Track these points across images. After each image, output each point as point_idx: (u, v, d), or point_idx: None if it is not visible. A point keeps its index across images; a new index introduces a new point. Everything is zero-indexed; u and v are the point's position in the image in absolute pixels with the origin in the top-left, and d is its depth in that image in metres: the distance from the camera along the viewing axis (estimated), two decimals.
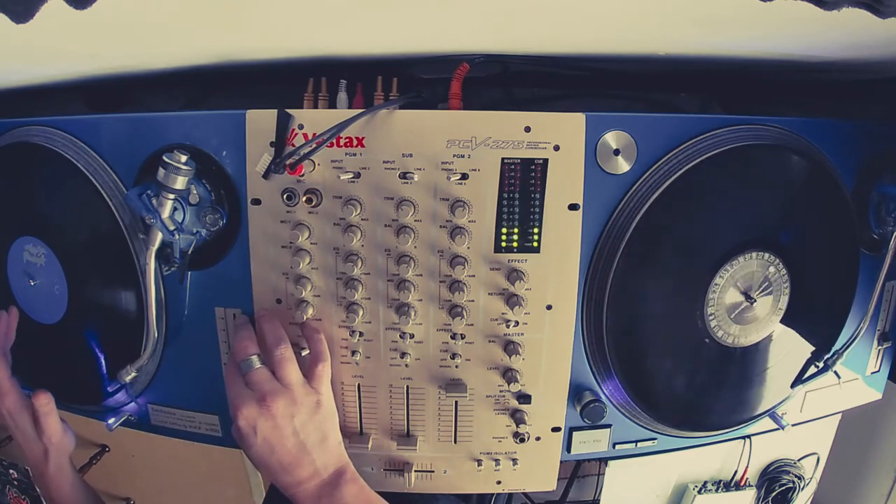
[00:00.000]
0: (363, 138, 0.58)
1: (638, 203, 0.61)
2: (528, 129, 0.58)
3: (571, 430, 0.69)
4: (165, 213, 0.57)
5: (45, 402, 0.67)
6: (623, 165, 0.61)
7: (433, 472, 0.70)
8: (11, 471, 1.12)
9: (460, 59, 0.61)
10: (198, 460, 1.34)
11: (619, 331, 0.64)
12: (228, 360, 0.62)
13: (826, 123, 0.66)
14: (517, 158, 0.59)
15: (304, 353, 0.63)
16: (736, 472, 0.92)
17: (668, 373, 0.68)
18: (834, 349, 0.68)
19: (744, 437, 0.80)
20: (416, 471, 0.69)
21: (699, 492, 0.92)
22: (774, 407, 0.74)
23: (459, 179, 0.59)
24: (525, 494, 1.34)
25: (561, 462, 0.70)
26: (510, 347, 0.64)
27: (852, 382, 0.79)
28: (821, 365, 0.69)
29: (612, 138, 0.60)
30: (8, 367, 0.68)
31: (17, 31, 0.33)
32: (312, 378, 0.60)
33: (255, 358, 0.59)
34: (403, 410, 0.68)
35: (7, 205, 0.71)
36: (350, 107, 0.65)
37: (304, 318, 0.63)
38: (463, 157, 0.59)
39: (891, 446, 0.98)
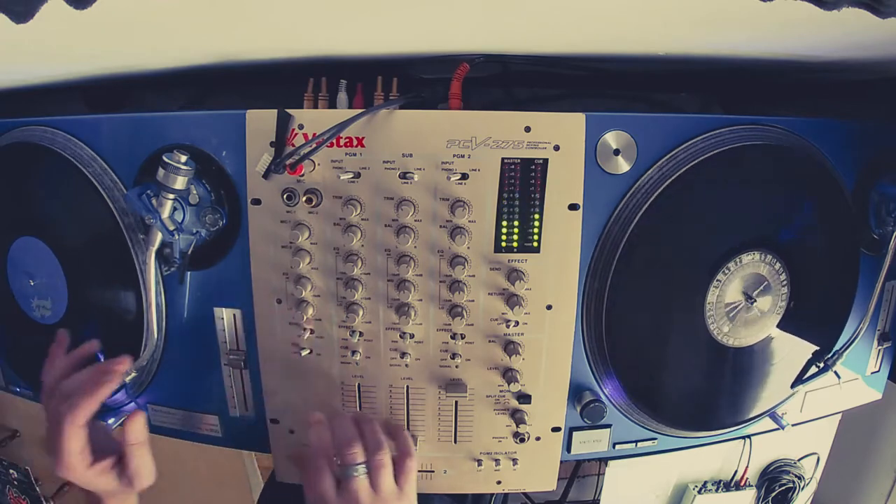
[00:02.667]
0: (363, 138, 0.58)
1: (638, 203, 0.61)
2: (528, 129, 0.58)
3: (571, 430, 0.69)
4: (165, 213, 0.57)
5: (138, 431, 0.58)
6: (623, 165, 0.61)
7: (433, 472, 0.70)
8: (11, 471, 1.13)
9: (460, 59, 0.61)
10: (198, 460, 1.34)
11: (619, 331, 0.64)
12: (318, 454, 0.57)
13: (826, 123, 0.66)
14: (517, 158, 0.59)
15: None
16: (736, 472, 0.92)
17: (668, 373, 0.68)
18: (834, 349, 0.68)
19: (744, 437, 0.80)
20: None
21: (699, 492, 0.92)
22: (774, 407, 0.74)
23: (459, 179, 0.59)
24: (525, 494, 1.34)
25: (561, 462, 0.70)
26: (510, 347, 0.64)
27: (852, 382, 0.79)
28: (821, 365, 0.69)
29: (612, 138, 0.60)
30: (82, 441, 0.54)
31: (17, 31, 0.33)
32: (402, 477, 0.57)
33: (362, 467, 0.55)
34: (403, 410, 0.67)
35: (7, 205, 0.71)
36: (350, 107, 0.65)
37: (303, 336, 0.62)
38: (463, 157, 0.59)
39: (891, 446, 0.98)
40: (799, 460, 0.96)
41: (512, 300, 0.62)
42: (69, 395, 0.55)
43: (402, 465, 0.57)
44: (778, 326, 0.68)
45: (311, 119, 0.58)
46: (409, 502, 0.57)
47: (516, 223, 0.60)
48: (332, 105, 0.65)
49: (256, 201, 0.61)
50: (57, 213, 0.68)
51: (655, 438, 0.72)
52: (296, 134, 0.59)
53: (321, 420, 0.59)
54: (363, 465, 0.55)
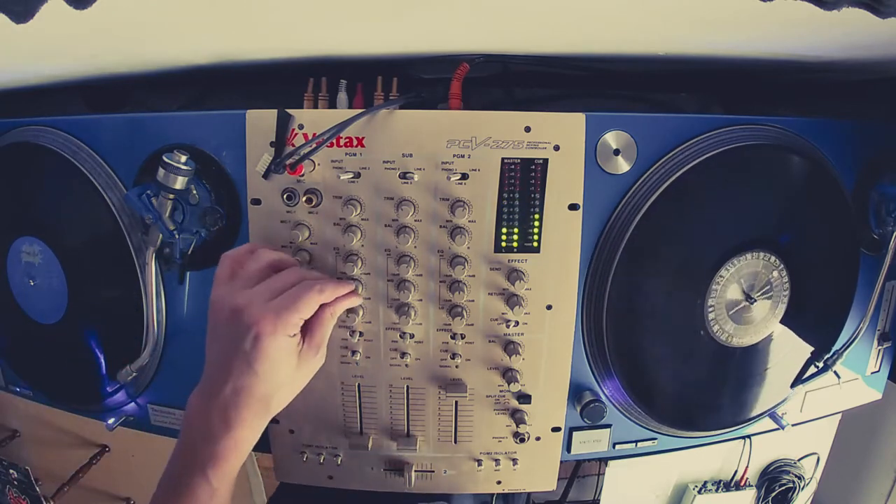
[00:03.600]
0: (363, 138, 0.58)
1: (638, 203, 0.61)
2: (528, 129, 0.58)
3: (571, 430, 0.69)
4: (165, 213, 0.57)
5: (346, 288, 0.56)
6: (623, 165, 0.61)
7: (433, 472, 0.70)
8: (11, 471, 1.12)
9: (460, 59, 0.61)
10: None
11: (619, 330, 0.64)
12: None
13: (826, 123, 0.66)
14: (517, 158, 0.59)
15: None
16: (736, 472, 0.92)
17: (668, 373, 0.68)
18: (834, 349, 0.68)
19: (744, 437, 0.80)
20: (416, 471, 0.69)
21: (699, 492, 0.92)
22: (774, 407, 0.74)
23: (459, 179, 0.59)
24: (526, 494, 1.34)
25: (561, 462, 0.70)
26: (510, 347, 0.64)
27: (852, 382, 0.79)
28: (821, 365, 0.69)
29: (612, 138, 0.60)
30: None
31: (17, 31, 0.33)
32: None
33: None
34: (403, 410, 0.67)
35: (7, 205, 0.71)
36: (350, 107, 0.65)
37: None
38: (463, 157, 0.59)
39: (891, 446, 0.98)
40: (799, 460, 0.96)
41: (512, 300, 0.62)
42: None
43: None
44: (778, 326, 0.68)
45: (311, 119, 0.58)
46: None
47: (516, 223, 0.60)
48: (332, 105, 0.65)
49: (256, 201, 0.61)
50: (57, 214, 0.68)
51: (655, 438, 0.72)
52: (296, 134, 0.59)
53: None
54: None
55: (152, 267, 0.59)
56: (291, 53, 0.61)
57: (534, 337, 0.64)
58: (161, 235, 0.58)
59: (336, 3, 0.44)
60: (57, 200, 0.68)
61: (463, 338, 0.64)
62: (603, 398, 0.68)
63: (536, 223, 0.60)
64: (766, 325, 0.68)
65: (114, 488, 1.35)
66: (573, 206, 0.60)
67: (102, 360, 0.70)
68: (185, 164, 0.56)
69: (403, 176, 0.59)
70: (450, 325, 0.64)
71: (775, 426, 0.75)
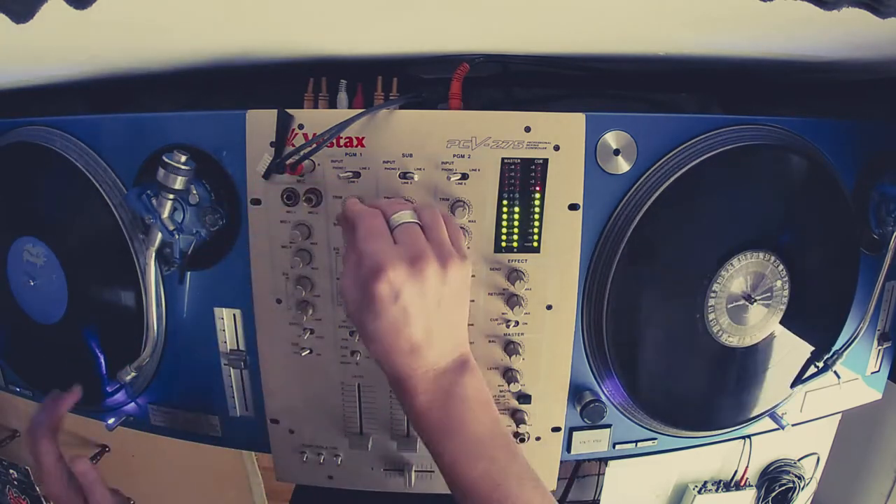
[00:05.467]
0: (363, 138, 0.58)
1: (638, 203, 0.61)
2: (528, 129, 0.58)
3: (571, 430, 0.69)
4: (165, 214, 0.57)
5: (88, 471, 0.60)
6: (623, 165, 0.61)
7: (433, 472, 0.70)
8: (11, 471, 1.12)
9: (460, 59, 0.61)
10: (198, 460, 1.34)
11: (619, 331, 0.64)
12: (358, 211, 0.48)
13: (826, 123, 0.66)
14: (517, 158, 0.59)
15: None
16: (736, 472, 0.92)
17: (668, 373, 0.68)
18: (834, 349, 0.68)
19: (744, 437, 0.80)
20: (416, 471, 0.69)
21: (699, 492, 0.92)
22: (774, 407, 0.74)
23: (459, 179, 0.59)
24: None
25: (561, 462, 0.70)
26: (510, 347, 0.64)
27: (852, 382, 0.79)
28: (821, 365, 0.69)
29: (612, 138, 0.60)
30: (55, 451, 0.61)
31: (17, 31, 0.33)
32: (455, 237, 0.49)
33: (410, 212, 0.48)
34: (403, 410, 0.67)
35: (7, 205, 0.71)
36: (350, 107, 0.65)
37: (303, 336, 0.62)
38: (463, 157, 0.59)
39: (891, 446, 0.98)
40: (799, 460, 0.95)
41: (512, 300, 0.62)
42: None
43: (451, 227, 0.49)
44: (778, 326, 0.68)
45: (311, 119, 0.58)
46: (468, 269, 0.48)
47: (516, 223, 0.60)
48: (332, 105, 0.65)
49: (256, 201, 0.61)
50: (57, 214, 0.68)
51: (655, 438, 0.72)
52: (296, 134, 0.59)
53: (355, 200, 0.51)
54: (411, 212, 0.48)
55: (152, 267, 0.59)
56: (291, 53, 0.61)
57: (534, 337, 0.64)
58: (161, 235, 0.58)
59: (336, 3, 0.44)
60: (57, 200, 0.68)
61: None
62: (603, 398, 0.68)
63: (536, 223, 0.60)
64: (765, 325, 0.68)
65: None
66: (573, 206, 0.60)
67: (102, 360, 0.70)
68: (185, 164, 0.56)
69: (403, 176, 0.59)
70: None
71: (775, 426, 0.75)
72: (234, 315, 0.65)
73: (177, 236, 0.59)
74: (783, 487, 0.94)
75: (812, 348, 0.70)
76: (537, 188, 0.59)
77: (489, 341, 0.64)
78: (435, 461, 0.48)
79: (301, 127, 0.58)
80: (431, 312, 0.46)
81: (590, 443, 0.70)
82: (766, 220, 0.65)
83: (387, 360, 0.47)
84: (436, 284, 0.45)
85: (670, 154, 0.61)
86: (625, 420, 0.70)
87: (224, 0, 0.42)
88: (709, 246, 0.64)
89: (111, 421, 0.72)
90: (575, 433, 0.70)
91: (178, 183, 0.56)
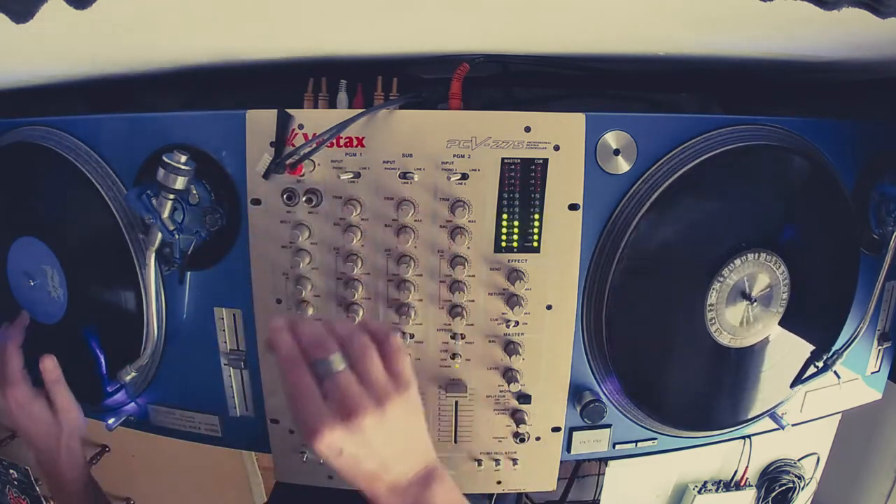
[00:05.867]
0: (363, 138, 0.58)
1: (638, 203, 0.61)
2: (528, 129, 0.58)
3: (571, 430, 0.69)
4: (165, 214, 0.57)
5: (52, 368, 0.66)
6: (623, 165, 0.61)
7: None
8: (11, 471, 1.12)
9: (460, 59, 0.61)
10: (198, 460, 1.34)
11: (619, 331, 0.64)
12: (290, 356, 0.47)
13: (826, 123, 0.66)
14: (517, 158, 0.59)
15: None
16: (736, 472, 0.92)
17: (668, 373, 0.68)
18: (834, 349, 0.68)
19: (744, 437, 0.80)
20: None
21: (699, 492, 0.92)
22: (774, 407, 0.74)
23: (459, 179, 0.59)
24: (525, 494, 1.34)
25: (561, 462, 0.70)
26: (510, 347, 0.64)
27: (852, 382, 0.79)
28: (821, 365, 0.69)
29: (612, 138, 0.60)
30: (21, 360, 0.68)
31: (17, 31, 0.33)
32: (390, 361, 0.47)
33: (338, 357, 0.46)
34: None
35: (7, 205, 0.71)
36: (350, 107, 0.65)
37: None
38: (463, 157, 0.59)
39: (891, 446, 0.98)
40: (799, 460, 0.95)
41: (512, 300, 0.62)
42: None
43: (386, 349, 0.48)
44: (778, 326, 0.68)
45: (311, 119, 0.58)
46: (408, 393, 0.48)
47: (516, 223, 0.60)
48: (332, 105, 0.65)
49: (256, 201, 0.61)
50: (57, 214, 0.68)
51: (655, 438, 0.72)
52: (296, 134, 0.59)
53: (281, 326, 0.48)
54: (339, 356, 0.46)
55: (152, 267, 0.59)
56: (291, 53, 0.61)
57: (534, 337, 0.64)
58: (161, 235, 0.58)
59: (336, 3, 0.44)
60: (57, 200, 0.68)
61: (463, 338, 0.64)
62: (603, 398, 0.68)
63: (536, 223, 0.60)
64: (766, 326, 0.68)
65: (114, 488, 1.35)
66: (573, 206, 0.60)
67: (102, 360, 0.70)
68: (185, 164, 0.56)
69: (403, 176, 0.59)
70: (450, 325, 0.63)
71: (775, 426, 0.75)
72: (234, 315, 0.65)
73: (177, 236, 0.59)
74: (783, 487, 0.94)
75: (812, 348, 0.70)
76: (537, 188, 0.59)
77: (489, 341, 0.64)
78: None
79: (301, 127, 0.58)
80: (380, 449, 0.46)
81: (590, 443, 0.70)
82: (766, 220, 0.65)
83: (353, 483, 0.48)
84: (376, 428, 0.45)
85: (670, 154, 0.61)
86: (625, 420, 0.70)
87: (224, 0, 0.42)
88: (709, 246, 0.64)
89: (111, 421, 0.72)
90: (575, 433, 0.70)
91: (179, 183, 0.56)
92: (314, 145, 0.57)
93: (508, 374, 0.65)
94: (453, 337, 0.64)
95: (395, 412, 0.47)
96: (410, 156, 0.59)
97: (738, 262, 0.64)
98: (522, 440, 0.68)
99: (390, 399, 0.46)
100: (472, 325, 0.64)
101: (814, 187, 0.66)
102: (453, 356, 0.64)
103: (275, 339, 0.48)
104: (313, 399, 0.45)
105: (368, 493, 0.48)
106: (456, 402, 0.67)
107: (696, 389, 0.70)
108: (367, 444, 0.46)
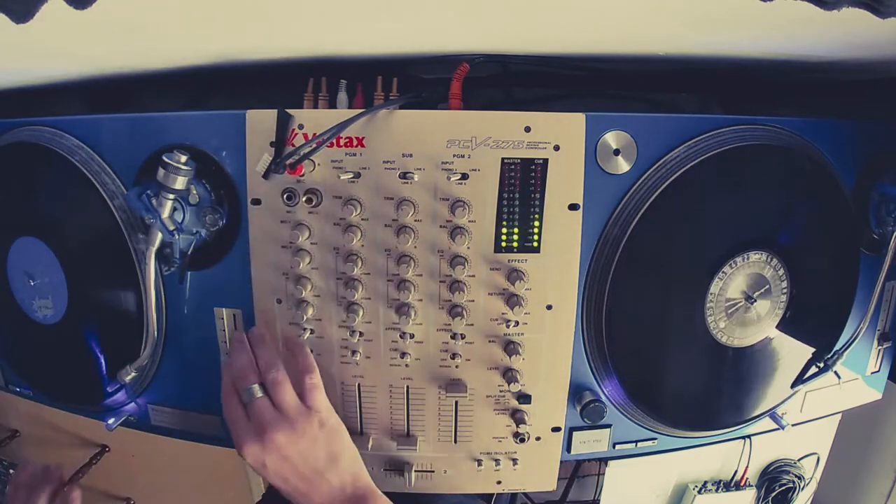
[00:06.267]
0: (363, 138, 0.58)
1: (638, 203, 0.61)
2: (528, 129, 0.58)
3: (571, 430, 0.69)
4: (165, 214, 0.57)
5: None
6: (623, 165, 0.61)
7: (433, 472, 0.70)
8: (11, 471, 1.12)
9: (460, 59, 0.61)
10: (198, 460, 1.34)
11: (619, 331, 0.64)
12: (226, 385, 0.59)
13: (826, 123, 0.66)
14: (517, 158, 0.59)
15: None
16: (736, 472, 0.92)
17: (668, 373, 0.68)
18: (834, 349, 0.68)
19: (744, 437, 0.80)
20: (416, 471, 0.69)
21: (699, 492, 0.92)
22: (774, 407, 0.74)
23: (459, 179, 0.59)
24: (525, 494, 1.34)
25: (561, 462, 0.70)
26: (510, 347, 0.64)
27: (852, 382, 0.79)
28: (821, 365, 0.69)
29: (612, 138, 0.60)
30: None
31: (17, 31, 0.33)
32: (304, 395, 0.59)
33: (256, 387, 0.57)
34: (403, 410, 0.67)
35: (7, 205, 0.71)
36: (350, 107, 0.65)
37: (304, 318, 0.63)
38: (463, 157, 0.59)
39: (891, 446, 0.98)
40: (799, 460, 0.96)
41: (512, 300, 0.62)
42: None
43: (302, 382, 0.59)
44: (778, 327, 0.68)
45: (311, 119, 0.58)
46: (320, 416, 0.58)
47: (516, 223, 0.60)
48: (332, 105, 0.65)
49: (256, 201, 0.61)
50: (57, 214, 0.68)
51: (655, 438, 0.72)
52: (296, 134, 0.59)
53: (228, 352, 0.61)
54: (258, 386, 0.57)
55: (152, 267, 0.59)
56: (291, 53, 0.61)
57: (534, 337, 0.64)
58: (161, 235, 0.58)
59: (336, 4, 0.44)
60: (57, 200, 0.68)
61: (463, 338, 0.64)
62: (603, 398, 0.68)
63: (536, 223, 0.61)
64: (765, 326, 0.68)
65: (114, 488, 1.35)
66: (573, 206, 0.60)
67: (102, 360, 0.70)
68: (185, 164, 0.56)
69: (403, 176, 0.59)
70: (450, 325, 0.64)
71: (775, 426, 0.75)
72: (234, 315, 0.65)
73: (177, 236, 0.59)
74: (783, 487, 0.95)
75: (812, 348, 0.70)
76: (537, 188, 0.59)
77: (489, 341, 0.64)
78: None
79: (301, 127, 0.58)
80: (299, 465, 0.56)
81: (590, 443, 0.70)
82: (766, 219, 0.65)
83: (292, 499, 0.57)
84: (289, 445, 0.55)
85: (670, 154, 0.61)
86: (625, 420, 0.70)
87: (224, 0, 0.42)
88: (709, 246, 0.64)
89: (111, 421, 0.72)
90: (575, 433, 0.70)
91: (179, 183, 0.56)
92: (314, 145, 0.57)
93: (508, 374, 0.65)
94: (453, 337, 0.64)
95: (307, 432, 0.56)
96: (410, 156, 0.59)
97: (737, 261, 0.64)
98: (522, 440, 0.68)
99: (300, 420, 0.56)
100: (472, 325, 0.64)
101: (814, 187, 0.66)
102: (453, 356, 0.64)
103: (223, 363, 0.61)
104: (240, 420, 0.56)
105: None
106: (456, 402, 0.67)
107: (695, 389, 0.70)
108: (286, 460, 0.55)
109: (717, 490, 0.93)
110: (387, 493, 0.60)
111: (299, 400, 0.58)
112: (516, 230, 0.61)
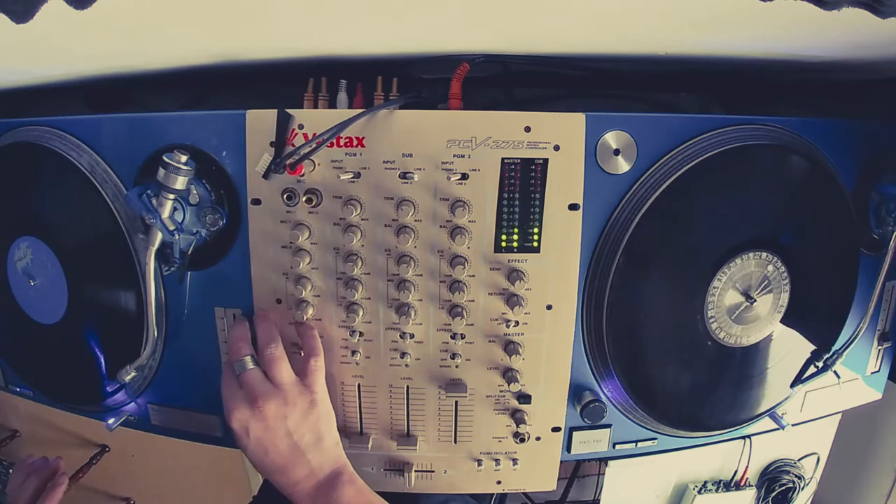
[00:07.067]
0: (363, 138, 0.58)
1: (638, 203, 0.61)
2: (528, 129, 0.58)
3: (571, 430, 0.69)
4: (165, 213, 0.57)
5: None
6: (623, 165, 0.61)
7: (433, 472, 0.70)
8: (11, 471, 1.12)
9: (460, 59, 0.61)
10: (198, 460, 1.34)
11: (619, 331, 0.64)
12: (224, 361, 0.61)
13: (826, 123, 0.66)
14: (517, 158, 0.59)
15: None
16: (736, 472, 0.92)
17: (668, 373, 0.68)
18: (834, 349, 0.68)
19: (744, 437, 0.80)
20: (416, 471, 0.69)
21: (699, 492, 0.92)
22: (774, 407, 0.74)
23: (459, 179, 0.59)
24: (525, 494, 1.35)
25: (561, 462, 0.70)
26: (510, 347, 0.64)
27: (852, 382, 0.79)
28: (821, 365, 0.69)
29: (612, 138, 0.60)
30: None
31: (17, 31, 0.33)
32: (305, 375, 0.60)
33: (248, 359, 0.59)
34: (403, 410, 0.68)
35: (7, 205, 0.71)
36: (350, 107, 0.65)
37: (304, 318, 0.63)
38: (463, 157, 0.59)
39: (891, 446, 0.98)
40: (799, 460, 0.96)
41: (512, 300, 0.62)
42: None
43: (306, 363, 0.60)
44: (778, 326, 0.68)
45: (311, 119, 0.58)
46: (314, 396, 0.59)
47: (516, 223, 0.60)
48: (332, 105, 0.65)
49: (256, 201, 0.61)
50: (57, 214, 0.68)
51: (655, 438, 0.72)
52: (296, 134, 0.59)
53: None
54: (249, 358, 0.59)
55: (152, 267, 0.59)
56: (291, 53, 0.61)
57: (534, 337, 0.64)
58: (161, 235, 0.58)
59: (336, 4, 0.44)
60: (57, 201, 0.68)
61: (463, 338, 0.64)
62: (603, 398, 0.68)
63: (536, 223, 0.61)
64: (766, 325, 0.68)
65: (114, 488, 1.35)
66: (573, 206, 0.60)
67: (102, 360, 0.70)
68: (185, 164, 0.56)
69: (403, 176, 0.59)
70: (450, 325, 0.64)
71: (775, 426, 0.75)
72: (234, 315, 0.65)
73: (177, 236, 0.59)
74: (783, 487, 0.95)
75: (812, 348, 0.70)
76: (537, 188, 0.60)
77: (489, 341, 0.64)
78: None
79: (301, 127, 0.58)
80: (282, 439, 0.56)
81: (590, 443, 0.70)
82: (766, 220, 0.65)
83: (268, 478, 0.58)
84: (278, 417, 0.56)
85: (670, 154, 0.61)
86: (625, 420, 0.70)
87: (224, 0, 0.42)
88: (709, 246, 0.64)
89: (111, 421, 0.72)
90: (575, 433, 0.70)
91: (179, 183, 0.56)
92: (314, 145, 0.57)
93: (508, 374, 0.65)
94: (453, 337, 0.64)
95: (298, 406, 0.57)
96: (410, 156, 0.59)
97: (737, 261, 0.64)
98: (522, 440, 0.68)
99: (292, 394, 0.57)
100: (472, 324, 0.64)
101: (814, 187, 0.66)
102: (453, 356, 0.64)
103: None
104: (231, 387, 0.58)
105: (283, 489, 0.58)
106: (456, 402, 0.67)
107: (695, 389, 0.70)
108: (271, 430, 0.56)
109: (717, 490, 0.93)
110: (381, 493, 0.60)
111: (297, 378, 0.59)
112: (516, 230, 0.61)
